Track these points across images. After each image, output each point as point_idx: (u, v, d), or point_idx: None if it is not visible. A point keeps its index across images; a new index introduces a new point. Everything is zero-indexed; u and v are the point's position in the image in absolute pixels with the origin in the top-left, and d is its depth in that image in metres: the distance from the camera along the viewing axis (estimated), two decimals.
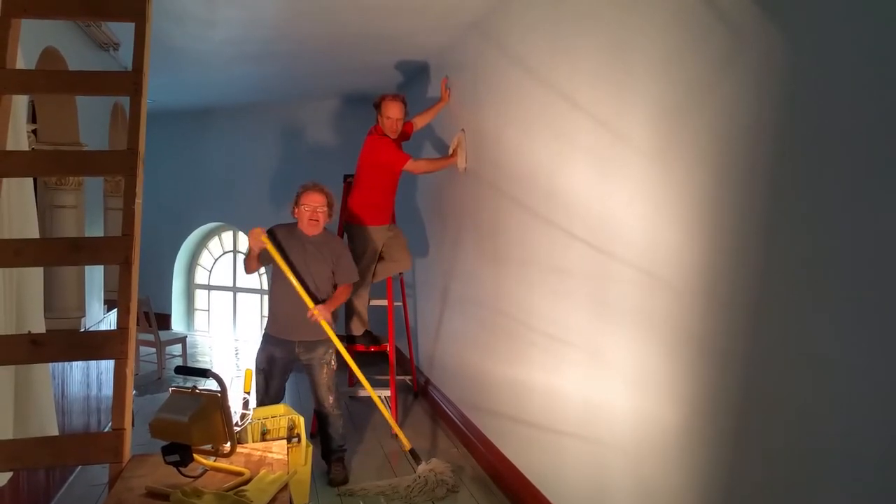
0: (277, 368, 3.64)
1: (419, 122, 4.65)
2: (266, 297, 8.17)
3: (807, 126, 1.55)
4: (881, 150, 1.36)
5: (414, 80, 5.62)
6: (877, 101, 1.38)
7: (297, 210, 3.59)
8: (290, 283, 3.50)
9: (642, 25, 2.23)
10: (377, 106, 4.33)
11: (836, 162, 1.47)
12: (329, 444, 3.72)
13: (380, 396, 4.04)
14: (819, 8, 1.52)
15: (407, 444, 3.86)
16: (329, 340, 3.64)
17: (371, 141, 4.33)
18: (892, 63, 1.34)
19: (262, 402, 3.63)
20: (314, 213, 3.54)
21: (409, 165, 4.27)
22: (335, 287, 3.70)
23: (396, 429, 3.93)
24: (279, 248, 3.53)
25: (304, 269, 3.58)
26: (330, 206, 3.61)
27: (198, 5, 3.70)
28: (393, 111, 4.26)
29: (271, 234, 3.56)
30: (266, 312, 8.16)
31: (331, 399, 3.67)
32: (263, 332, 3.70)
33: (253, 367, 3.53)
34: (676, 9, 2.04)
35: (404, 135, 4.58)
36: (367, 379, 3.89)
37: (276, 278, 3.65)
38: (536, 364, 3.16)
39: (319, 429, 3.78)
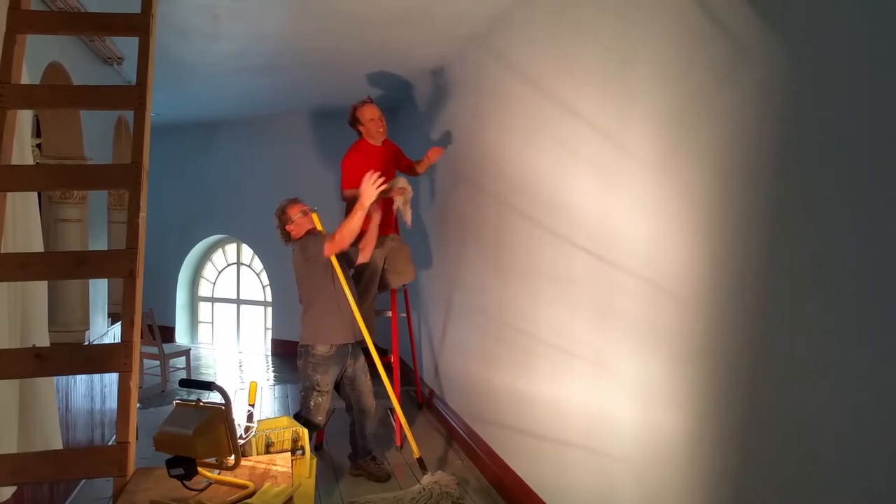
0: (332, 384, 3.77)
1: (419, 168, 4.56)
2: (269, 309, 8.18)
3: (808, 135, 1.55)
4: (883, 158, 1.36)
5: (416, 91, 5.64)
6: (878, 109, 1.38)
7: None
8: (341, 287, 3.68)
9: (643, 37, 2.24)
10: (354, 122, 4.22)
11: (839, 171, 1.47)
12: (366, 444, 3.91)
13: (388, 407, 4.10)
14: (819, 18, 1.53)
15: (417, 452, 3.89)
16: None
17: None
18: (892, 71, 1.34)
19: (318, 423, 3.73)
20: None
21: (344, 193, 4.15)
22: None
23: (409, 435, 3.95)
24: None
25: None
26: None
27: (202, 19, 3.72)
28: (368, 113, 4.17)
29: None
30: (265, 324, 8.18)
31: (375, 403, 3.91)
32: (316, 355, 3.66)
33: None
34: (677, 20, 2.05)
35: (412, 169, 4.53)
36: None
37: (320, 289, 3.67)
38: (541, 375, 3.15)
39: (358, 433, 3.90)
